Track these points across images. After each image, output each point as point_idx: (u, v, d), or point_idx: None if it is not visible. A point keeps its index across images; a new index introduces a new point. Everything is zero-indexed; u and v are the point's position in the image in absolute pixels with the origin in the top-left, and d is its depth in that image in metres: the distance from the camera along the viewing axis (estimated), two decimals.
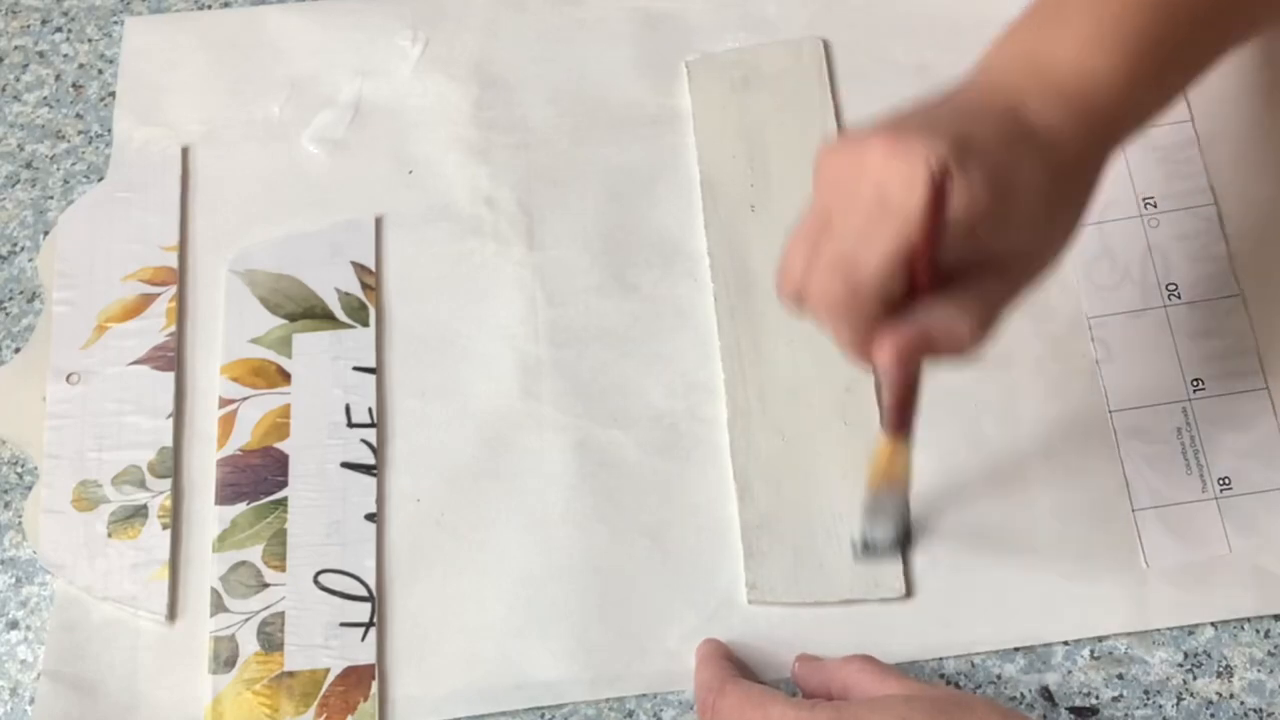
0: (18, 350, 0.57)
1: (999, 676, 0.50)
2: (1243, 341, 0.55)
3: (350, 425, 0.55)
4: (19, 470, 0.55)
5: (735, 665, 0.49)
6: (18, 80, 0.63)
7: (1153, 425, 0.54)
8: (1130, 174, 0.59)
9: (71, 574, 0.52)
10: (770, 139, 0.59)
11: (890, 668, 0.47)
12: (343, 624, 0.51)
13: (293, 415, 0.55)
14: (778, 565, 0.52)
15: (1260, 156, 0.59)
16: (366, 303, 0.57)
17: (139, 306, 0.57)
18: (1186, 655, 0.50)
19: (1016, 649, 0.51)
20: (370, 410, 0.55)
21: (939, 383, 0.55)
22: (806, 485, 0.53)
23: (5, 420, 0.55)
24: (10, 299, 0.59)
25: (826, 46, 0.61)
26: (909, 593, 0.51)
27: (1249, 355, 0.55)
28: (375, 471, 0.54)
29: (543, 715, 0.50)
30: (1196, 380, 0.55)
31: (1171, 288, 0.57)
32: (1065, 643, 0.51)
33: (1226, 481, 0.53)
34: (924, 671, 0.50)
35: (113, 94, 0.62)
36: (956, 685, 0.50)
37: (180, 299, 0.57)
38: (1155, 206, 0.58)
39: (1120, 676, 0.50)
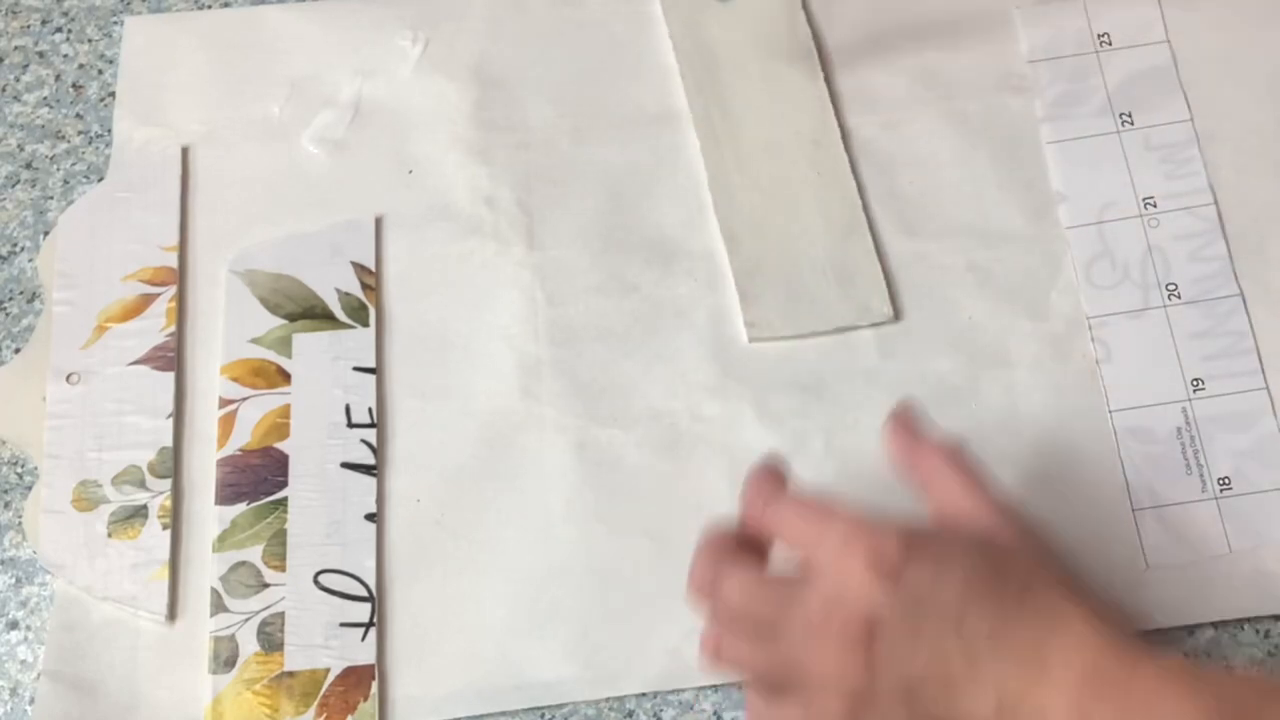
0: (18, 350, 0.57)
1: None
2: (1242, 341, 0.55)
3: (350, 425, 0.55)
4: (19, 470, 0.55)
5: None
6: (18, 80, 0.63)
7: (1153, 425, 0.54)
8: (1130, 174, 0.59)
9: (71, 574, 0.52)
10: None
11: (981, 472, 0.45)
12: (343, 624, 0.51)
13: (293, 415, 0.55)
14: (772, 302, 0.56)
15: (1260, 157, 0.59)
16: (366, 303, 0.57)
17: (139, 306, 0.57)
18: (1186, 655, 0.50)
19: None
20: (370, 410, 0.55)
21: (939, 382, 0.55)
22: (788, 230, 0.57)
23: (5, 420, 0.55)
24: (10, 299, 0.59)
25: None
26: (897, 315, 0.55)
27: (1249, 355, 0.55)
28: (375, 471, 0.54)
29: (543, 715, 0.50)
30: (1196, 380, 0.55)
31: (1171, 288, 0.57)
32: None
33: (1226, 482, 0.53)
34: None
35: (113, 94, 0.62)
36: None
37: (180, 299, 0.57)
38: (1155, 206, 0.58)
39: None
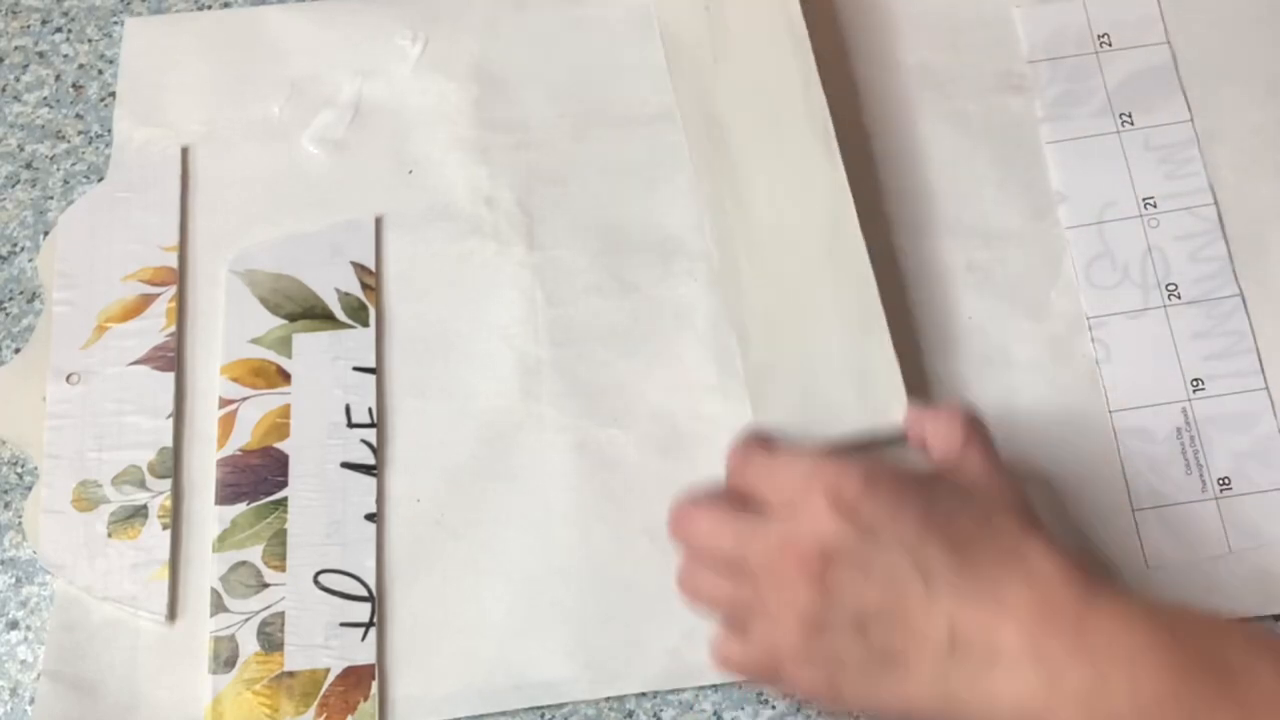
0: (18, 350, 0.57)
1: None
2: (1242, 342, 0.55)
3: (350, 425, 0.55)
4: (19, 470, 0.55)
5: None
6: (18, 80, 0.63)
7: (1153, 425, 0.54)
8: (1130, 174, 0.59)
9: (71, 574, 0.52)
10: None
11: (982, 426, 0.48)
12: (343, 624, 0.51)
13: (293, 415, 0.55)
14: (784, 406, 0.52)
15: (1260, 157, 0.59)
16: (366, 303, 0.57)
17: (139, 306, 0.57)
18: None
19: None
20: (370, 410, 0.55)
21: (939, 381, 0.55)
22: (803, 327, 0.53)
23: (5, 420, 0.55)
24: (10, 299, 0.59)
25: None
26: None
27: (1249, 355, 0.55)
28: (375, 471, 0.54)
29: (543, 715, 0.50)
30: (1196, 380, 0.55)
31: (1171, 288, 0.57)
32: None
33: (1226, 482, 0.53)
34: None
35: (113, 94, 0.62)
36: None
37: (180, 299, 0.57)
38: (1155, 206, 0.58)
39: None
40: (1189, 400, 0.55)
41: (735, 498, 0.47)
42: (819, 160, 0.56)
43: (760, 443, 0.48)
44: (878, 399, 0.52)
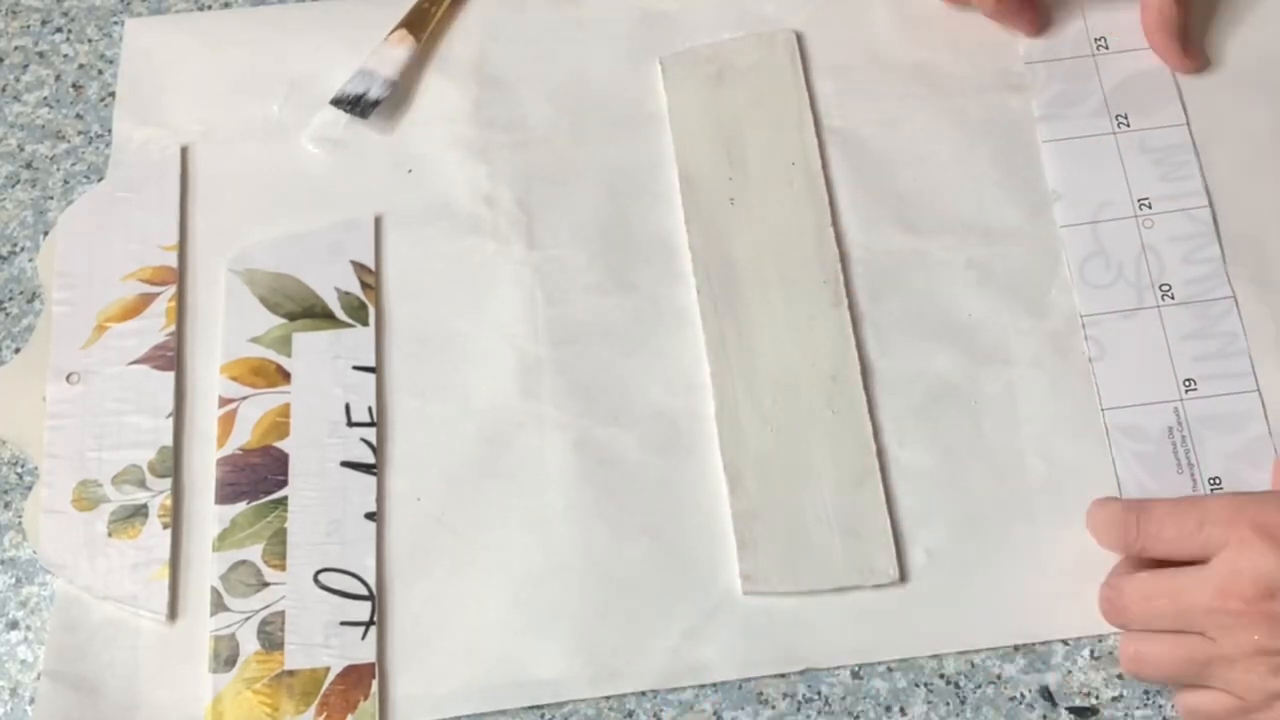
0: (18, 350, 0.57)
1: (999, 676, 0.50)
2: (1234, 343, 0.56)
3: (350, 424, 0.55)
4: (19, 470, 0.55)
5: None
6: (18, 80, 0.63)
7: (1145, 424, 0.54)
8: (1126, 175, 0.59)
9: (71, 574, 0.52)
10: (747, 132, 0.59)
11: None
12: (343, 623, 0.51)
13: (292, 414, 0.55)
14: (770, 554, 0.52)
15: (1256, 160, 0.59)
16: (366, 302, 0.57)
17: (139, 306, 0.57)
18: None
19: (1016, 648, 0.51)
20: (370, 409, 0.55)
21: (938, 379, 0.55)
22: (796, 474, 0.53)
23: (5, 420, 0.55)
24: (10, 299, 0.59)
25: (801, 39, 0.61)
26: (903, 577, 0.51)
27: (1240, 357, 0.56)
28: (375, 470, 0.54)
29: (543, 714, 0.51)
30: (1189, 380, 0.55)
31: (1165, 288, 0.57)
32: (1065, 642, 0.51)
33: (1217, 481, 0.53)
34: (924, 670, 0.51)
35: (113, 94, 0.62)
36: (957, 685, 0.50)
37: (180, 299, 0.57)
38: (1150, 207, 0.58)
39: (1120, 676, 0.50)
40: (1181, 400, 0.55)
41: (1149, 563, 0.48)
42: (827, 310, 0.56)
43: (1126, 505, 0.49)
44: (866, 555, 0.52)
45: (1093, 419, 0.54)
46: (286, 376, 0.55)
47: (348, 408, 0.55)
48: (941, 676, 0.51)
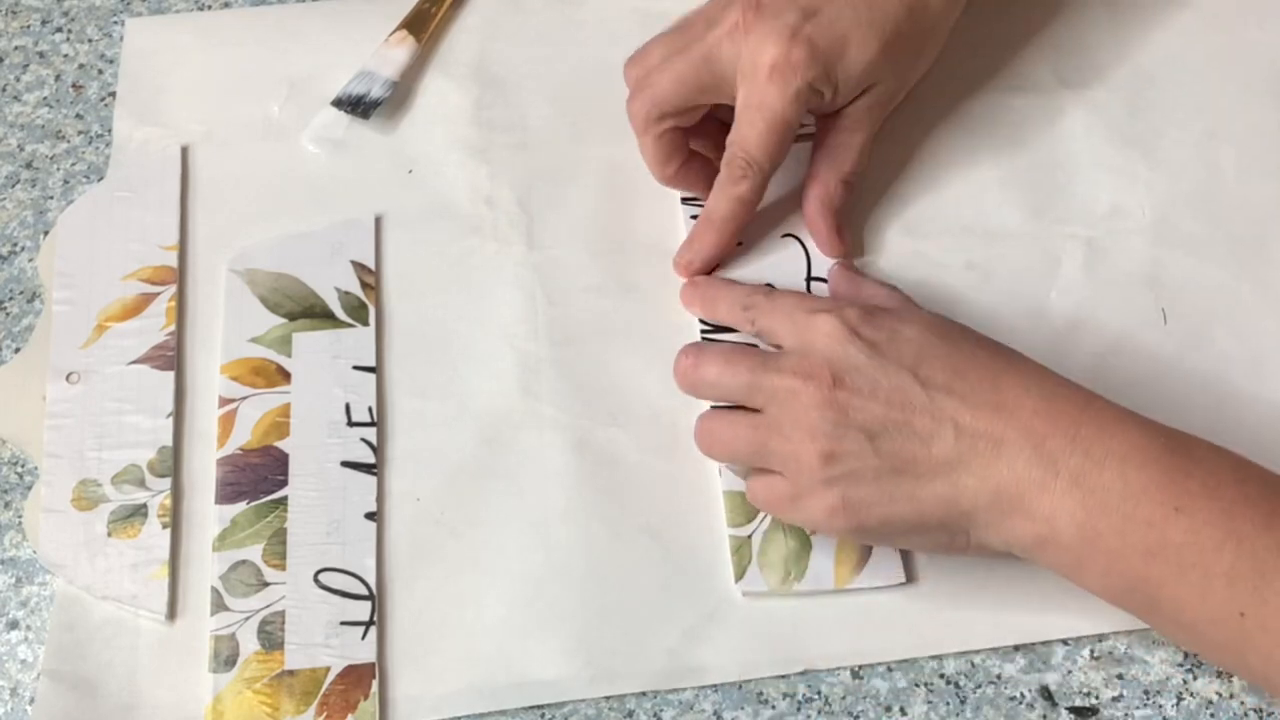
0: (18, 350, 0.57)
1: (999, 676, 0.50)
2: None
3: (350, 424, 0.55)
4: (19, 470, 0.55)
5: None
6: (18, 80, 0.63)
7: None
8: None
9: (71, 573, 0.52)
10: None
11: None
12: (343, 623, 0.51)
13: (293, 414, 0.55)
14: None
15: (1261, 157, 0.59)
16: (366, 302, 0.57)
17: (139, 306, 0.57)
18: (1186, 655, 0.50)
19: (1016, 648, 0.51)
20: (370, 409, 0.55)
21: None
22: None
23: (5, 420, 0.55)
24: (10, 299, 0.59)
25: None
26: (909, 578, 0.51)
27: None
28: (375, 470, 0.54)
29: (542, 714, 0.51)
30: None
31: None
32: (1065, 642, 0.51)
33: None
34: (924, 670, 0.50)
35: (113, 94, 0.62)
36: (957, 685, 0.50)
37: (180, 298, 0.57)
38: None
39: (1120, 676, 0.50)
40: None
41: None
42: None
43: (758, 289, 0.53)
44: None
45: None
46: (286, 376, 0.55)
47: (348, 408, 0.55)
48: (941, 676, 0.50)
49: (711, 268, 0.56)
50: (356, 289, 0.57)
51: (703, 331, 0.55)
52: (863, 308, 0.49)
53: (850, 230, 0.57)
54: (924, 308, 0.52)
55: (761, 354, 0.49)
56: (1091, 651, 0.51)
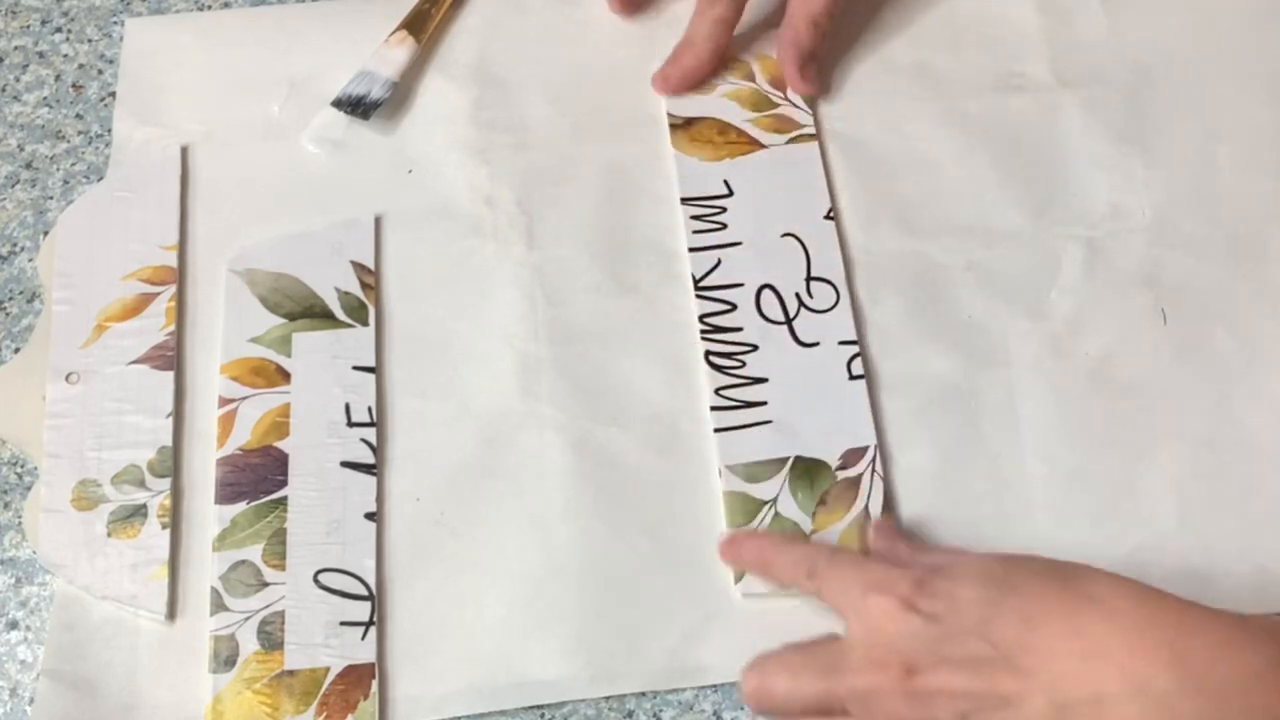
0: (18, 350, 0.57)
1: None
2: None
3: (350, 424, 0.55)
4: (19, 470, 0.55)
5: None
6: (18, 80, 0.63)
7: None
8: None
9: (71, 573, 0.52)
10: None
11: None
12: (343, 623, 0.51)
13: (292, 414, 0.55)
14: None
15: (1260, 156, 0.59)
16: (366, 302, 0.57)
17: (139, 306, 0.57)
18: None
19: None
20: (370, 409, 0.55)
21: (940, 380, 0.55)
22: None
23: (5, 420, 0.55)
24: (10, 299, 0.59)
25: None
26: None
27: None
28: (375, 471, 0.54)
29: (542, 714, 0.51)
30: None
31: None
32: None
33: None
34: None
35: (113, 94, 0.62)
36: None
37: (180, 298, 0.57)
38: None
39: None
40: None
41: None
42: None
43: (811, 553, 0.49)
44: None
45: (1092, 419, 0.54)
46: (286, 376, 0.55)
47: (348, 408, 0.55)
48: None
49: (689, 86, 0.59)
50: (356, 289, 0.57)
51: (703, 332, 0.56)
52: (914, 578, 0.44)
53: (818, 70, 0.60)
54: (970, 551, 0.49)
55: (822, 654, 0.46)
56: None
